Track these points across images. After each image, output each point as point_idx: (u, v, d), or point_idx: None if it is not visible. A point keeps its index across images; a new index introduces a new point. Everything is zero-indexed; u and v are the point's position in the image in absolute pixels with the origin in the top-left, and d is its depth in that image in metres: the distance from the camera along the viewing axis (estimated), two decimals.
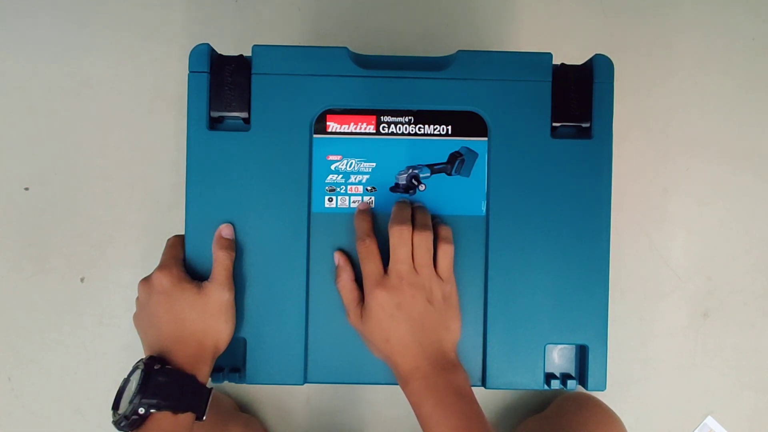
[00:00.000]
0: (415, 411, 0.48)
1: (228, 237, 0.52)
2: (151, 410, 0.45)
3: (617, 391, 0.74)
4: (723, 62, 0.77)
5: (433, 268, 0.50)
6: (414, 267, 0.49)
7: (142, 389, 0.45)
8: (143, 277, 0.51)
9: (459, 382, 0.48)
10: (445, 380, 0.48)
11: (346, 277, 0.51)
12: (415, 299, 0.49)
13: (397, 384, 0.50)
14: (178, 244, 0.54)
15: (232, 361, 0.54)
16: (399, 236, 0.49)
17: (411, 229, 0.49)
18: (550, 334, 0.53)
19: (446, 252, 0.51)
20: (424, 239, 0.49)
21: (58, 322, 0.74)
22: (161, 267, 0.51)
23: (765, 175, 0.76)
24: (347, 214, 0.53)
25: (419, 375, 0.48)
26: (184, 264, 0.53)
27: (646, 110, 0.76)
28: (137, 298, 0.52)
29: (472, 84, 0.53)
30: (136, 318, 0.52)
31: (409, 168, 0.54)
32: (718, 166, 0.76)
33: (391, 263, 0.49)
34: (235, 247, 0.52)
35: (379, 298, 0.48)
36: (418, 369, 0.48)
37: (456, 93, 0.53)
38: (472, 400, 0.48)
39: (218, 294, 0.50)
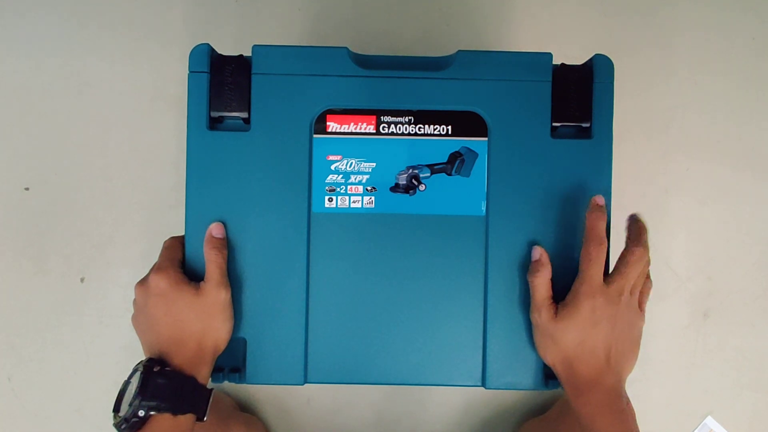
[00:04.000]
0: (583, 423, 0.48)
1: (218, 236, 0.52)
2: (151, 412, 0.45)
3: None
4: (723, 62, 0.77)
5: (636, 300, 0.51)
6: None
7: (142, 391, 0.45)
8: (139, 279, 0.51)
9: (634, 415, 0.48)
10: (624, 405, 0.48)
11: (547, 274, 0.51)
12: (623, 319, 0.49)
13: (397, 384, 0.50)
14: (174, 245, 0.53)
15: (232, 361, 0.54)
16: (637, 256, 0.49)
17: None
18: None
19: (649, 288, 0.52)
20: (645, 266, 0.50)
21: (58, 322, 0.74)
22: (158, 269, 0.50)
23: (765, 175, 0.76)
24: (347, 214, 0.53)
25: (602, 389, 0.48)
26: (183, 265, 0.53)
27: (646, 110, 0.76)
28: (134, 300, 0.52)
29: (472, 84, 0.53)
30: (134, 320, 0.52)
31: (409, 168, 0.54)
32: (718, 166, 0.76)
33: (614, 276, 0.49)
34: (228, 246, 0.52)
35: (595, 303, 0.48)
36: (601, 383, 0.48)
37: (456, 93, 0.53)
38: (634, 421, 0.48)
39: (215, 294, 0.50)
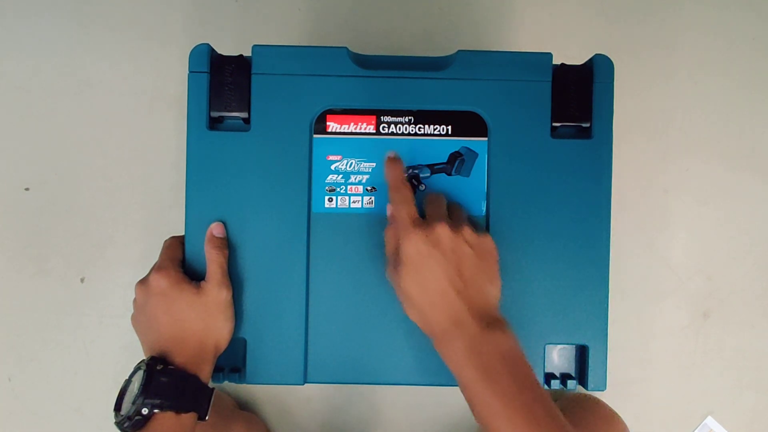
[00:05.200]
0: (454, 375, 0.44)
1: (219, 236, 0.52)
2: (155, 410, 0.45)
3: (617, 391, 0.74)
4: (723, 62, 0.77)
5: (470, 228, 0.48)
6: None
7: (145, 390, 0.45)
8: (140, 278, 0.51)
9: (506, 343, 0.44)
10: (490, 341, 0.44)
11: (394, 227, 0.49)
12: (454, 241, 0.46)
13: (397, 385, 0.50)
14: (174, 245, 0.53)
15: (232, 361, 0.54)
16: (436, 200, 0.50)
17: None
18: (550, 334, 0.53)
19: (463, 212, 0.52)
20: (461, 211, 0.52)
21: (58, 322, 0.74)
22: (158, 268, 0.50)
23: (765, 175, 0.76)
24: (347, 214, 0.53)
25: (459, 333, 0.44)
26: (183, 264, 0.53)
27: (646, 110, 0.76)
28: (134, 300, 0.52)
29: (472, 84, 0.53)
30: (134, 320, 0.52)
31: (409, 168, 0.54)
32: (718, 166, 0.76)
33: (428, 217, 0.48)
34: (228, 245, 0.52)
35: (414, 239, 0.46)
36: (458, 325, 0.44)
37: (456, 93, 0.53)
38: (522, 364, 0.44)
39: (216, 293, 0.50)
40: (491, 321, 0.45)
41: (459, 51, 0.53)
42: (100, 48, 0.75)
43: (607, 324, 0.53)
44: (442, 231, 0.46)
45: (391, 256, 0.49)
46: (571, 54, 0.58)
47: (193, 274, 0.52)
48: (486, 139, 0.54)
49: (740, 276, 0.76)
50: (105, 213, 0.75)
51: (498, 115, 0.53)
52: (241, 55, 0.53)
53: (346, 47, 0.53)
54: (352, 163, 0.54)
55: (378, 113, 0.53)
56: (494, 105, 0.53)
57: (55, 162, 0.75)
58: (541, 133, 0.53)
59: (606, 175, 0.53)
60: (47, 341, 0.75)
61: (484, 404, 0.42)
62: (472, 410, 0.44)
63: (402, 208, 0.48)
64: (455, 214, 0.51)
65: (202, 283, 0.50)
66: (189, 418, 0.47)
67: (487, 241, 0.48)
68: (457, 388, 0.46)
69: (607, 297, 0.53)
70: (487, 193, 0.54)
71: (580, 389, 0.55)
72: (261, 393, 0.75)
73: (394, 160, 0.52)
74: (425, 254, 0.46)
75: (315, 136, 0.53)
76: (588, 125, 0.53)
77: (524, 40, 0.76)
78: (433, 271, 0.46)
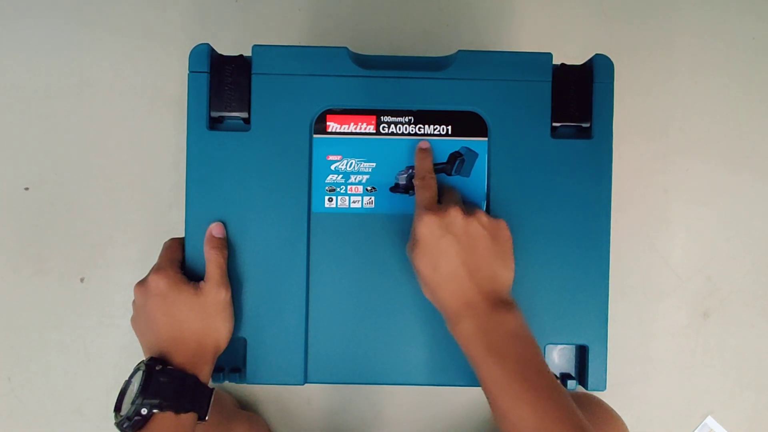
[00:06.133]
0: (464, 351, 0.46)
1: (219, 236, 0.52)
2: (154, 411, 0.45)
3: (617, 391, 0.74)
4: (723, 63, 0.77)
5: (484, 212, 0.49)
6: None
7: (145, 390, 0.45)
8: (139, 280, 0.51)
9: (514, 323, 0.46)
10: (499, 321, 0.45)
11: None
12: (467, 223, 0.47)
13: (398, 384, 0.50)
14: (174, 246, 0.53)
15: (233, 361, 0.54)
16: (451, 190, 0.51)
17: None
18: (550, 334, 0.53)
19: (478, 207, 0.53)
20: (475, 204, 0.53)
21: (58, 322, 0.74)
22: (157, 269, 0.50)
23: (765, 175, 0.76)
24: (347, 214, 0.53)
25: (470, 314, 0.46)
26: (183, 265, 0.53)
27: (646, 111, 0.76)
28: (134, 302, 0.52)
29: (472, 84, 0.53)
30: (134, 321, 0.52)
31: (409, 168, 0.54)
32: (718, 167, 0.76)
33: (443, 202, 0.50)
34: (228, 246, 0.52)
35: (427, 221, 0.47)
36: (469, 306, 0.46)
37: (456, 93, 0.53)
38: (528, 342, 0.45)
39: (215, 293, 0.50)
40: (501, 302, 0.47)
41: (459, 51, 0.53)
42: (100, 48, 0.75)
43: (607, 324, 0.53)
44: (455, 214, 0.47)
45: (412, 234, 0.50)
46: (571, 54, 0.58)
47: (193, 275, 0.52)
48: (486, 139, 0.54)
49: (740, 276, 0.76)
50: (105, 213, 0.75)
51: (498, 115, 0.53)
52: (241, 55, 0.53)
53: (346, 47, 0.53)
54: (352, 163, 0.54)
55: (378, 113, 0.53)
56: (494, 105, 0.53)
57: (55, 162, 0.75)
58: (541, 133, 0.53)
59: (606, 175, 0.53)
60: (47, 341, 0.75)
61: (491, 378, 0.44)
62: (480, 383, 0.46)
63: (423, 193, 0.50)
64: (469, 203, 0.53)
65: (201, 283, 0.50)
66: (189, 418, 0.47)
67: (501, 225, 0.49)
68: (458, 388, 0.46)
69: (607, 297, 0.53)
70: (487, 193, 0.54)
71: (580, 389, 0.55)
72: (262, 393, 0.75)
73: (425, 150, 0.53)
74: (438, 236, 0.47)
75: (315, 136, 0.53)
76: (588, 125, 0.54)
77: (524, 40, 0.76)
78: (446, 253, 0.47)
